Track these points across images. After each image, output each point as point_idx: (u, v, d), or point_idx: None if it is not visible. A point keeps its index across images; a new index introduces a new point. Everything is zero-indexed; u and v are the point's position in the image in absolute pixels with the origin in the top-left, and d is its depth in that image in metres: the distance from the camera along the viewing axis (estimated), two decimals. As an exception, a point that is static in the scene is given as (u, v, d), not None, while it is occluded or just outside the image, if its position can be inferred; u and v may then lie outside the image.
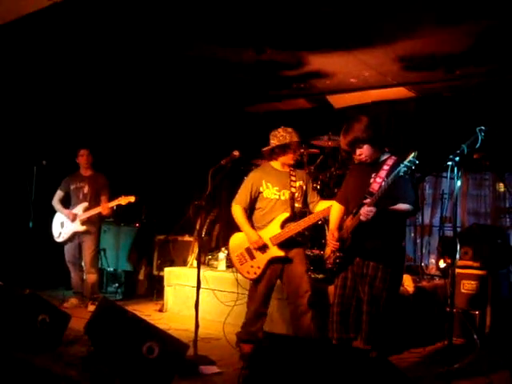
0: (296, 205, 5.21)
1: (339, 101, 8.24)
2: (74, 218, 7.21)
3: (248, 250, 5.18)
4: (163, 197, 9.08)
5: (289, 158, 5.22)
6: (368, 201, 4.13)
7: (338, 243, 4.39)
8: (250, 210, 5.27)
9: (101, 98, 8.49)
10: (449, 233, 7.87)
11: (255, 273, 5.14)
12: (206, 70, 7.40)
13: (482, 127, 3.80)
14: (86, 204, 7.27)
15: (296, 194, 5.22)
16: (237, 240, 5.29)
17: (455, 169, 3.73)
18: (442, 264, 6.76)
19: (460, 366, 4.48)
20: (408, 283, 5.94)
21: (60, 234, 7.38)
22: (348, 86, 7.61)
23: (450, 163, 3.74)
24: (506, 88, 6.83)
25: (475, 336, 5.08)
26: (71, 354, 4.96)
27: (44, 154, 7.51)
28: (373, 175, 4.29)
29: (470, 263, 6.11)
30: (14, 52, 6.82)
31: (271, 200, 5.18)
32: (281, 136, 5.18)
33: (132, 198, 7.09)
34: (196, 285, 5.05)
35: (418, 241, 7.74)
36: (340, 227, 4.49)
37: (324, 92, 8.01)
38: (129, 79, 7.90)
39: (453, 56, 6.29)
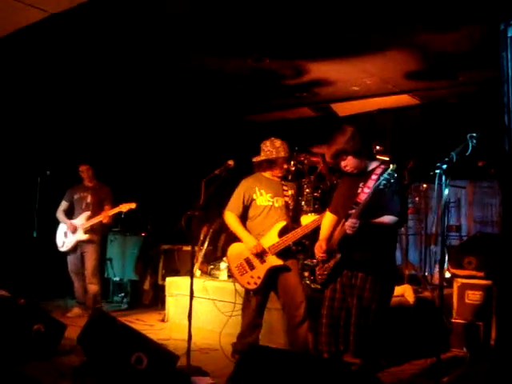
0: (291, 214, 5.18)
1: (343, 109, 8.21)
2: (73, 230, 7.23)
3: (247, 260, 5.11)
4: (169, 206, 9.07)
5: (276, 172, 5.23)
6: (352, 212, 4.07)
7: (324, 255, 4.33)
8: (243, 219, 5.23)
9: (104, 108, 8.54)
10: (455, 242, 7.80)
11: (255, 283, 5.06)
12: (206, 81, 7.42)
13: (474, 134, 3.72)
14: (88, 213, 7.28)
15: (289, 202, 5.20)
16: (235, 250, 5.23)
17: (443, 177, 3.65)
18: (447, 274, 6.66)
19: (448, 381, 4.39)
20: (408, 293, 5.85)
21: (64, 243, 7.38)
22: (351, 93, 7.59)
23: (437, 171, 3.66)
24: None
25: (464, 349, 4.97)
26: (65, 364, 4.93)
27: (48, 165, 7.54)
28: (361, 185, 4.24)
29: (474, 273, 5.97)
30: (14, 64, 6.89)
31: (265, 207, 5.14)
32: (268, 151, 5.17)
33: (133, 205, 7.12)
34: (191, 295, 4.98)
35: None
36: (330, 238, 4.43)
37: (327, 100, 7.99)
38: (130, 89, 7.95)
39: (455, 61, 6.21)
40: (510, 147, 2.79)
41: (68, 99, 8.13)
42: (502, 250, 2.91)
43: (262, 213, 5.15)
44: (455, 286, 6.23)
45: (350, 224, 4.04)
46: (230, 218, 5.23)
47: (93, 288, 7.32)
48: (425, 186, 7.31)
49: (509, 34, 2.78)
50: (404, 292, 5.89)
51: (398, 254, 7.52)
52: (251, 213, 5.21)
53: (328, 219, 4.60)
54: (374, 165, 4.36)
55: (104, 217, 7.15)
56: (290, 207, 5.20)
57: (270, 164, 5.18)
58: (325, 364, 3.34)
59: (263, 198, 5.15)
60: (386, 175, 3.89)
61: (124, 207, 7.13)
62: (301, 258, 6.13)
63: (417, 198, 7.36)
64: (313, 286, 5.97)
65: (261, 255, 5.03)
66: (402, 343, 5.32)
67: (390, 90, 7.30)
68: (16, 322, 5.01)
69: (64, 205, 7.51)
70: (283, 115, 8.99)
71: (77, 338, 5.00)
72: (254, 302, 5.15)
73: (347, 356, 4.26)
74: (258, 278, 5.05)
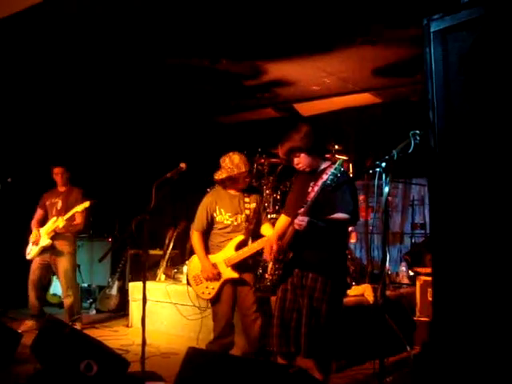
0: (251, 227, 5.23)
1: (306, 109, 8.20)
2: (35, 241, 6.90)
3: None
4: (137, 210, 9.01)
5: (238, 187, 5.25)
6: (301, 210, 4.05)
7: (275, 254, 4.28)
8: (208, 233, 5.33)
9: (67, 111, 8.44)
10: (420, 240, 7.82)
11: (209, 293, 5.21)
12: (170, 81, 7.37)
13: (417, 131, 3.70)
14: (54, 219, 6.91)
15: (250, 216, 5.23)
16: (195, 262, 5.35)
17: (383, 175, 3.62)
18: (410, 272, 6.67)
19: (391, 380, 4.38)
20: (368, 293, 5.84)
21: (30, 251, 7.02)
22: (312, 93, 7.59)
23: (377, 169, 3.64)
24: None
25: (408, 348, 4.96)
26: (21, 372, 4.87)
27: (9, 172, 7.46)
28: (311, 184, 4.21)
29: (435, 270, 5.98)
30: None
31: (225, 224, 5.22)
32: (228, 168, 5.14)
33: (87, 204, 6.76)
34: (144, 300, 4.91)
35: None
36: (282, 237, 4.40)
37: (290, 100, 7.99)
38: (94, 92, 7.88)
39: (411, 59, 6.21)
40: (435, 143, 2.77)
41: (27, 103, 8.04)
42: (432, 247, 2.90)
43: (222, 228, 5.23)
44: (418, 283, 6.25)
45: (298, 221, 4.01)
46: (194, 238, 5.32)
47: (66, 302, 6.98)
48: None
49: (431, 30, 2.77)
50: (364, 291, 5.88)
51: (362, 253, 7.56)
52: (214, 225, 5.28)
53: (281, 220, 4.57)
54: (325, 164, 4.34)
55: (60, 221, 6.79)
56: (250, 221, 5.24)
57: (231, 181, 5.20)
58: (259, 366, 3.32)
59: (222, 217, 5.21)
60: (332, 170, 3.88)
61: (79, 207, 6.75)
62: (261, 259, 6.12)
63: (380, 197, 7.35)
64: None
65: (216, 267, 5.14)
66: (363, 342, 5.30)
67: (350, 89, 7.31)
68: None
69: (38, 212, 7.19)
70: (249, 116, 8.99)
71: (30, 347, 4.95)
72: (222, 309, 5.21)
73: (299, 357, 4.22)
74: (213, 288, 5.18)
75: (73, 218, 6.87)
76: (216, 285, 5.15)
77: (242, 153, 5.28)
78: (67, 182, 7.19)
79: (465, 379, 2.61)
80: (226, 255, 5.15)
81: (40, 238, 6.92)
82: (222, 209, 5.21)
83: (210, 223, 5.26)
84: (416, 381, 2.99)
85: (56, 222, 6.84)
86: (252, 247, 5.09)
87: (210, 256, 5.24)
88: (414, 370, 4.03)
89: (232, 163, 5.14)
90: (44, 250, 6.93)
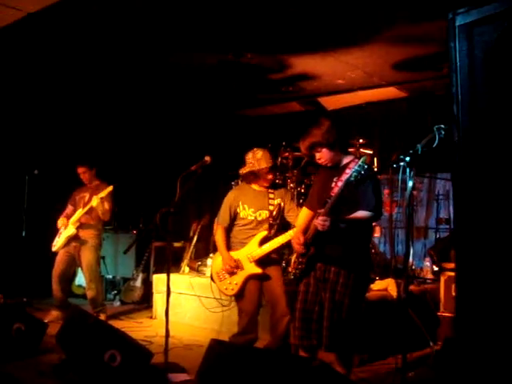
0: (277, 221, 5.24)
1: (331, 103, 8.18)
2: (66, 226, 6.91)
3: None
4: (161, 203, 9.07)
5: (262, 183, 5.24)
6: (322, 210, 4.04)
7: (302, 247, 4.29)
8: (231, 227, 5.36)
9: (92, 105, 8.52)
10: (445, 235, 7.74)
11: (233, 289, 5.22)
12: (193, 75, 7.40)
13: (442, 125, 3.67)
14: (81, 210, 6.92)
15: (274, 213, 5.24)
16: (218, 259, 5.37)
17: (407, 169, 3.61)
18: (434, 267, 6.63)
19: (413, 375, 4.37)
20: (391, 287, 5.81)
21: (56, 242, 7.03)
22: (337, 87, 7.56)
23: (401, 164, 3.62)
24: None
25: (431, 343, 4.93)
26: (46, 362, 4.96)
27: (36, 164, 7.56)
28: (335, 179, 4.20)
29: (460, 266, 5.92)
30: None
31: (248, 220, 5.24)
32: (250, 163, 5.17)
33: (110, 188, 6.73)
34: (168, 292, 4.95)
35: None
36: (306, 231, 4.40)
37: (314, 94, 7.97)
38: (118, 88, 7.97)
39: (437, 53, 6.15)
40: (458, 138, 2.75)
41: (53, 98, 8.12)
42: (456, 243, 2.88)
43: (246, 224, 5.25)
44: (442, 279, 6.19)
45: (319, 222, 4.01)
46: (218, 232, 5.36)
47: (89, 293, 7.01)
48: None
49: (456, 24, 2.74)
50: (387, 286, 5.85)
51: (386, 247, 7.52)
52: (237, 221, 5.30)
53: (303, 214, 4.57)
54: (348, 159, 4.33)
55: (93, 200, 6.73)
56: (274, 217, 5.24)
57: (253, 176, 5.21)
58: (282, 359, 3.33)
59: (246, 212, 5.23)
60: (356, 167, 3.87)
61: (103, 193, 6.72)
62: (286, 252, 6.14)
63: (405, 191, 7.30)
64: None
65: (234, 269, 5.17)
66: (387, 337, 5.29)
67: (375, 82, 7.26)
68: (-5, 321, 5.05)
69: (68, 208, 7.16)
70: (273, 110, 9.00)
71: (55, 336, 5.03)
72: (246, 305, 5.22)
73: (321, 351, 4.23)
74: (236, 284, 5.20)
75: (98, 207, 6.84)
76: (239, 280, 5.16)
77: (266, 148, 5.27)
78: (94, 177, 7.17)
79: (486, 376, 2.60)
80: (249, 251, 5.16)
81: (67, 226, 6.93)
82: (246, 204, 5.23)
83: (234, 219, 5.28)
84: (437, 376, 2.99)
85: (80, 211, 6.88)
86: (276, 241, 5.08)
87: (234, 252, 5.25)
88: (435, 366, 4.03)
89: (254, 158, 5.15)
90: (69, 242, 6.93)
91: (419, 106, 7.64)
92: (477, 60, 2.72)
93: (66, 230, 6.93)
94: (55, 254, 7.04)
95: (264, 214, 5.21)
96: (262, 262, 5.14)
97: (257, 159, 5.13)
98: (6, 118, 8.03)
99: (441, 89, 7.25)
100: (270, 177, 5.22)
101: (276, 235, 5.18)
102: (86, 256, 6.95)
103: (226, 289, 5.27)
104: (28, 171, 7.35)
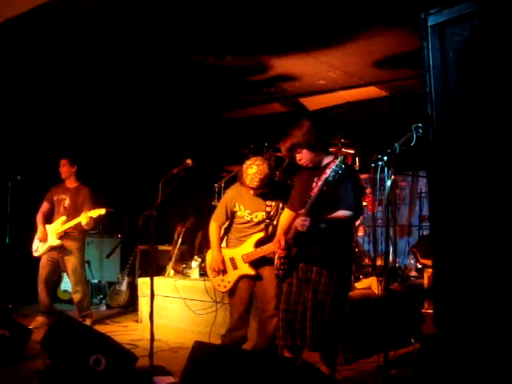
0: (274, 222, 5.23)
1: (313, 103, 8.22)
2: (43, 239, 6.88)
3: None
4: (146, 206, 9.06)
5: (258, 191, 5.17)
6: (302, 210, 4.06)
7: (283, 250, 4.31)
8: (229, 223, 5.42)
9: (75, 108, 8.49)
10: (428, 232, 7.79)
11: (225, 286, 5.30)
12: (172, 78, 7.40)
13: (419, 124, 3.70)
14: (64, 218, 6.89)
15: (272, 213, 5.25)
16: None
17: (385, 169, 3.63)
18: (418, 265, 6.68)
19: (395, 372, 4.41)
20: (375, 285, 5.84)
21: (38, 248, 7.00)
22: (318, 87, 7.60)
23: (379, 163, 3.64)
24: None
25: (413, 341, 4.97)
26: (31, 368, 4.95)
27: (19, 169, 7.52)
28: (315, 179, 4.22)
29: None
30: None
31: (245, 220, 5.28)
32: (244, 172, 5.06)
33: (102, 211, 6.70)
34: (152, 295, 4.94)
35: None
36: (287, 231, 4.42)
37: (296, 95, 8.01)
38: (98, 90, 7.93)
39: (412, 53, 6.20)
40: (433, 137, 2.78)
41: (35, 104, 8.09)
42: (432, 240, 2.91)
43: (243, 223, 5.30)
44: (425, 275, 6.27)
45: (299, 222, 4.02)
46: (212, 228, 5.40)
47: (75, 297, 6.99)
48: (393, 177, 7.32)
49: (428, 24, 2.78)
50: (371, 284, 5.89)
51: (370, 246, 7.56)
52: (235, 219, 5.35)
53: (285, 215, 4.59)
54: (329, 159, 4.33)
55: (83, 218, 6.69)
56: (273, 217, 5.26)
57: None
58: (268, 359, 3.35)
59: (242, 213, 5.27)
60: (334, 167, 3.88)
61: (94, 213, 6.66)
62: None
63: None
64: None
65: (234, 261, 5.22)
66: (370, 336, 5.31)
67: (356, 82, 7.31)
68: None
69: (44, 206, 7.10)
70: (256, 111, 9.02)
71: (40, 342, 5.02)
72: (237, 302, 5.29)
73: (305, 351, 4.25)
74: (228, 282, 5.27)
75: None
76: (232, 279, 5.23)
77: (266, 163, 5.08)
78: (73, 176, 7.12)
79: (465, 372, 2.63)
80: (244, 251, 5.19)
81: (47, 235, 6.89)
82: (242, 205, 5.25)
83: (231, 217, 5.34)
84: (417, 373, 3.01)
85: (66, 224, 6.83)
86: (270, 246, 4.99)
87: (229, 250, 5.30)
88: (416, 363, 4.06)
89: (246, 173, 5.04)
90: (52, 248, 6.92)
91: (400, 105, 7.69)
92: (449, 60, 2.76)
93: (50, 240, 6.89)
94: (38, 258, 7.00)
95: (260, 215, 5.23)
96: (256, 263, 5.17)
97: (248, 174, 5.01)
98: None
99: (421, 87, 7.27)
100: (255, 191, 5.12)
101: (272, 236, 5.13)
102: (71, 260, 6.93)
103: (219, 285, 5.35)
104: (11, 177, 7.31)
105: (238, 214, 5.28)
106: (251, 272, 5.16)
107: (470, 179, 2.69)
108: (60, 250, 6.94)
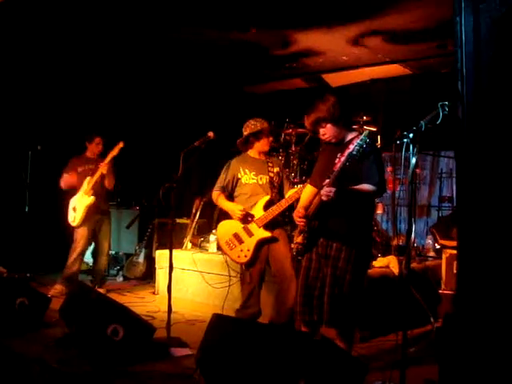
0: (275, 190, 5.30)
1: (336, 79, 8.14)
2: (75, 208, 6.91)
3: (236, 236, 5.23)
4: (165, 179, 9.07)
5: (263, 145, 5.33)
6: (327, 181, 4.03)
7: (302, 219, 4.28)
8: (231, 197, 5.41)
9: (96, 79, 8.46)
10: (447, 213, 7.74)
11: (246, 256, 5.19)
12: (197, 52, 7.36)
13: (446, 102, 3.64)
14: (88, 178, 6.89)
15: (274, 179, 5.31)
16: (224, 227, 5.39)
17: (410, 146, 3.58)
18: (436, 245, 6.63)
19: (414, 350, 4.40)
20: (393, 264, 5.82)
21: (74, 218, 6.92)
22: (341, 64, 7.52)
23: (405, 140, 3.59)
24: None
25: (432, 320, 4.95)
26: (49, 336, 4.97)
27: (39, 139, 7.55)
28: (338, 155, 4.18)
29: (461, 244, 5.93)
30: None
31: (250, 185, 5.29)
32: (252, 125, 5.29)
33: (121, 144, 6.85)
34: (170, 268, 4.97)
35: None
36: (308, 207, 4.40)
37: (318, 71, 7.92)
38: (121, 64, 7.93)
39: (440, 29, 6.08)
40: (463, 114, 2.73)
41: (56, 74, 8.07)
42: (458, 221, 2.88)
43: (248, 190, 5.29)
44: (444, 256, 6.22)
45: (325, 192, 4.00)
46: (215, 195, 5.45)
47: (100, 265, 7.23)
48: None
49: (462, -2, 2.71)
50: (389, 263, 5.86)
51: (389, 225, 7.52)
52: (238, 191, 5.36)
53: (307, 190, 4.56)
54: (352, 135, 4.30)
55: (102, 167, 6.82)
56: (275, 184, 5.33)
57: (256, 136, 5.29)
58: (286, 333, 3.35)
59: (247, 177, 5.30)
60: (358, 141, 3.86)
61: (114, 151, 6.82)
62: (288, 229, 6.14)
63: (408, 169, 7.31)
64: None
65: (247, 218, 5.18)
66: (389, 313, 5.30)
67: (380, 59, 7.20)
68: (-1, 295, 5.07)
69: (71, 177, 7.04)
70: (278, 86, 8.96)
71: (58, 311, 5.07)
72: (253, 273, 5.25)
73: (322, 326, 4.24)
74: (248, 250, 5.19)
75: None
76: (251, 246, 5.17)
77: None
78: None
79: (485, 351, 2.61)
80: (256, 216, 5.19)
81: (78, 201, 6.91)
82: (247, 169, 5.31)
83: (233, 187, 5.35)
84: (438, 352, 3.00)
85: (97, 173, 6.89)
86: (280, 205, 5.13)
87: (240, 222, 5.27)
88: (435, 342, 4.05)
89: (255, 120, 5.32)
90: (89, 215, 6.92)
91: (423, 83, 7.58)
92: (482, 35, 2.70)
93: (82, 200, 6.88)
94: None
95: (265, 178, 5.30)
96: (269, 225, 5.16)
97: (258, 121, 5.30)
98: (8, 93, 7.96)
99: (446, 66, 7.19)
100: (270, 138, 5.39)
101: (278, 200, 5.24)
102: (107, 228, 7.21)
103: (239, 256, 5.22)
104: (31, 147, 7.34)
105: (243, 179, 5.30)
106: (267, 234, 5.15)
107: (499, 159, 2.64)
108: (98, 214, 7.08)
